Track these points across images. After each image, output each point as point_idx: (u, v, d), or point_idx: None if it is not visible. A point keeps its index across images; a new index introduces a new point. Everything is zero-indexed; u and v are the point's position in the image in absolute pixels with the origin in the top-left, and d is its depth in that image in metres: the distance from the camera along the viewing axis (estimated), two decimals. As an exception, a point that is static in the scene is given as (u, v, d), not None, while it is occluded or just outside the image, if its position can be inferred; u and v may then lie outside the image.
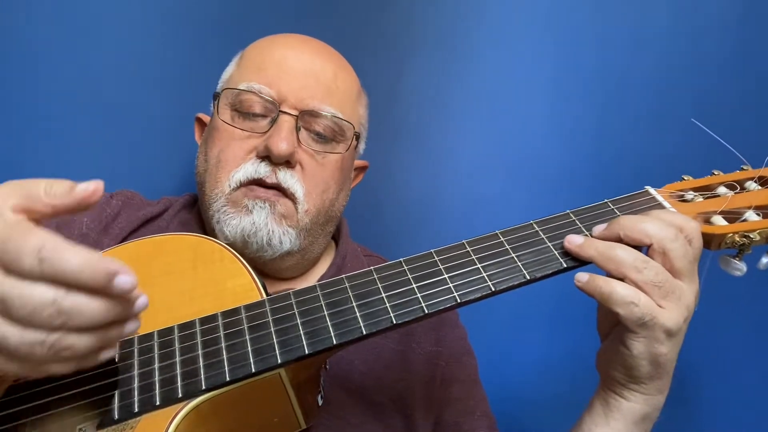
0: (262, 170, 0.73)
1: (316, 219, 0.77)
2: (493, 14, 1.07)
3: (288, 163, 0.74)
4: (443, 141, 1.08)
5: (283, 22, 1.01)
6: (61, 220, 0.76)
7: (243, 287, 0.59)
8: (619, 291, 0.53)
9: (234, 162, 0.74)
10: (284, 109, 0.74)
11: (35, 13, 0.95)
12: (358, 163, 0.89)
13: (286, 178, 0.73)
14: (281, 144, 0.71)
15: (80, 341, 0.41)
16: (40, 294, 0.39)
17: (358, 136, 0.81)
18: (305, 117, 0.75)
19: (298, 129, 0.74)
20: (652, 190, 0.64)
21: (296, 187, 0.74)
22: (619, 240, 0.56)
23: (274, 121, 0.74)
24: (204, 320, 0.56)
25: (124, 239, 0.77)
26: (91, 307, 0.40)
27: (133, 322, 0.44)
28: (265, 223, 0.72)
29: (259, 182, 0.73)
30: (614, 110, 1.08)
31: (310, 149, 0.76)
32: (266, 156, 0.73)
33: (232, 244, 0.72)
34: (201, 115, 0.87)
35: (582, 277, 0.56)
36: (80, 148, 0.99)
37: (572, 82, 1.08)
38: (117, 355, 0.53)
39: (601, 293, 0.54)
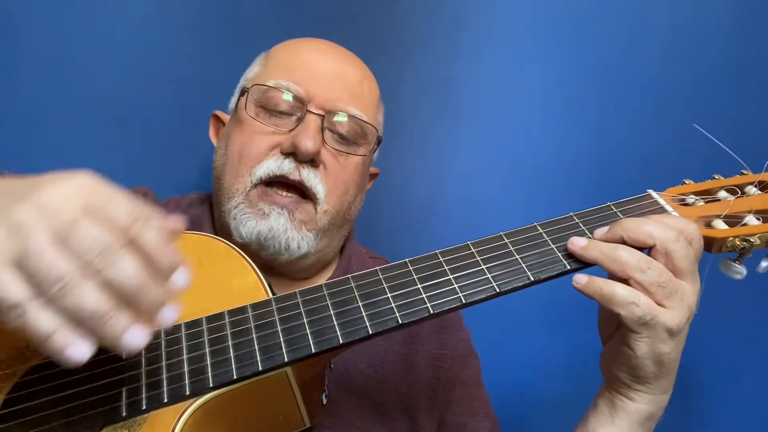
0: (286, 167, 0.73)
1: (333, 220, 0.77)
2: (494, 15, 1.08)
3: (313, 161, 0.73)
4: (444, 142, 1.09)
5: (285, 22, 1.02)
6: None
7: (249, 286, 0.59)
8: (619, 292, 0.54)
9: (257, 157, 0.74)
10: (311, 108, 0.75)
11: (41, 13, 0.96)
12: (371, 170, 0.89)
13: (310, 176, 0.73)
14: (308, 142, 0.71)
15: (90, 296, 0.38)
16: (98, 232, 0.39)
17: (380, 141, 0.81)
18: (331, 118, 0.76)
19: (323, 129, 0.75)
20: (654, 194, 0.64)
21: (318, 187, 0.74)
22: (621, 242, 0.57)
23: (300, 120, 0.74)
24: (210, 319, 0.56)
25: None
26: (131, 268, 0.39)
27: (135, 329, 0.40)
28: (284, 229, 0.72)
29: (281, 179, 0.73)
30: (616, 114, 1.09)
31: (334, 149, 0.76)
32: (291, 153, 0.73)
33: (246, 245, 0.71)
34: (218, 113, 0.86)
35: (581, 279, 0.56)
36: (85, 148, 0.99)
37: (574, 85, 1.09)
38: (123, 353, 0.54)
39: (601, 295, 0.55)
